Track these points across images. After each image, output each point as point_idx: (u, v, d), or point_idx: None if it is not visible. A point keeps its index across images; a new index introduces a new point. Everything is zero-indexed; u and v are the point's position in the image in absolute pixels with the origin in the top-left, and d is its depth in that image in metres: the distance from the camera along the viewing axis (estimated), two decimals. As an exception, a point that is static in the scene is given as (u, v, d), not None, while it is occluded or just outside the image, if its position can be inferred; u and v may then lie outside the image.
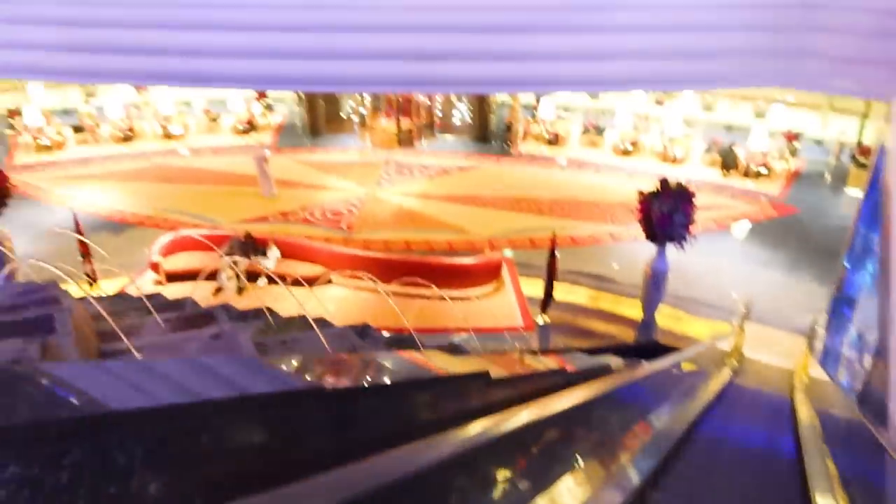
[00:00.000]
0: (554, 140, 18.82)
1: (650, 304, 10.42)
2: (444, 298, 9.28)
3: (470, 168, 17.77)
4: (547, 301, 10.90)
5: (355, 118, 20.46)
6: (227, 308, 5.31)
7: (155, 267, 11.97)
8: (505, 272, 12.37)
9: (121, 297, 4.91)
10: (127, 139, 18.94)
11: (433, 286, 8.98)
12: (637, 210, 9.83)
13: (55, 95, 20.24)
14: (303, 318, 3.99)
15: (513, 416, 1.81)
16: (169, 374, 1.46)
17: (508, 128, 19.32)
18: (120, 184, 16.55)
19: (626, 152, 18.03)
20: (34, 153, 18.07)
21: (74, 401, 1.25)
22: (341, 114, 20.98)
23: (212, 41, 9.62)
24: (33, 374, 1.38)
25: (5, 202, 11.06)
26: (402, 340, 4.27)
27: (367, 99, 20.03)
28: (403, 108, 19.10)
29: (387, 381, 1.66)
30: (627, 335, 10.64)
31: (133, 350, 2.67)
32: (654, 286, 10.22)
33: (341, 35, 9.32)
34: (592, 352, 6.12)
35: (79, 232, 11.59)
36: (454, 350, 4.64)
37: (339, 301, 11.62)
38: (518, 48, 8.79)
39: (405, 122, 19.20)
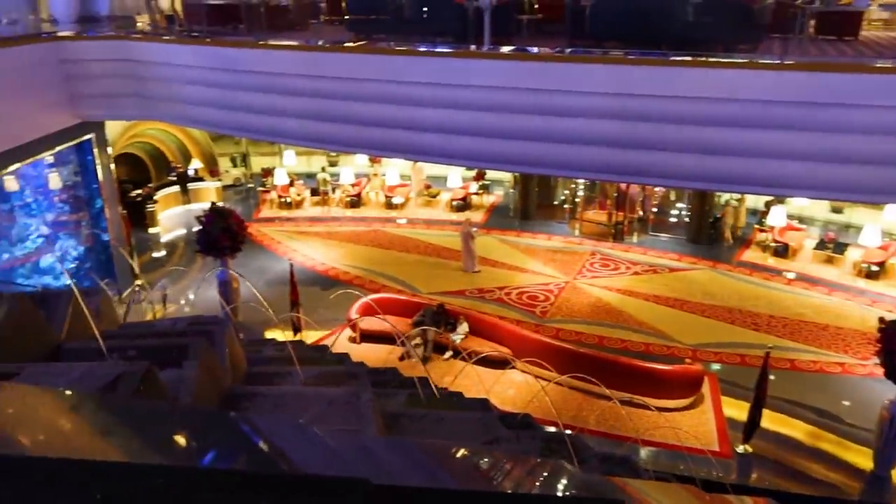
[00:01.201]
0: (782, 251, 17.01)
1: (887, 456, 8.70)
2: (625, 403, 8.48)
3: (681, 270, 16.62)
4: (752, 428, 9.53)
5: (567, 206, 20.34)
6: (391, 373, 5.21)
7: (352, 324, 12.54)
8: (706, 387, 11.13)
9: (291, 343, 5.04)
10: (354, 205, 20.63)
11: (617, 389, 8.25)
12: (877, 341, 8.40)
13: (302, 161, 22.80)
14: (454, 397, 3.71)
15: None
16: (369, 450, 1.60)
17: (718, 219, 17.85)
18: (339, 244, 17.91)
19: (870, 275, 15.70)
20: (276, 209, 20.42)
21: (274, 457, 1.40)
22: (554, 201, 21.02)
23: (441, 118, 10.11)
24: (250, 424, 1.55)
25: (239, 248, 12.40)
26: (560, 440, 3.80)
27: (581, 188, 19.86)
28: (618, 200, 18.59)
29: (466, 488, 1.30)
30: (851, 488, 8.88)
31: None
32: (893, 435, 8.54)
33: (559, 120, 9.30)
34: (800, 501, 5.07)
35: (293, 283, 12.57)
36: (619, 464, 4.05)
37: (517, 386, 11.21)
38: (745, 144, 8.05)
39: (618, 215, 18.63)
